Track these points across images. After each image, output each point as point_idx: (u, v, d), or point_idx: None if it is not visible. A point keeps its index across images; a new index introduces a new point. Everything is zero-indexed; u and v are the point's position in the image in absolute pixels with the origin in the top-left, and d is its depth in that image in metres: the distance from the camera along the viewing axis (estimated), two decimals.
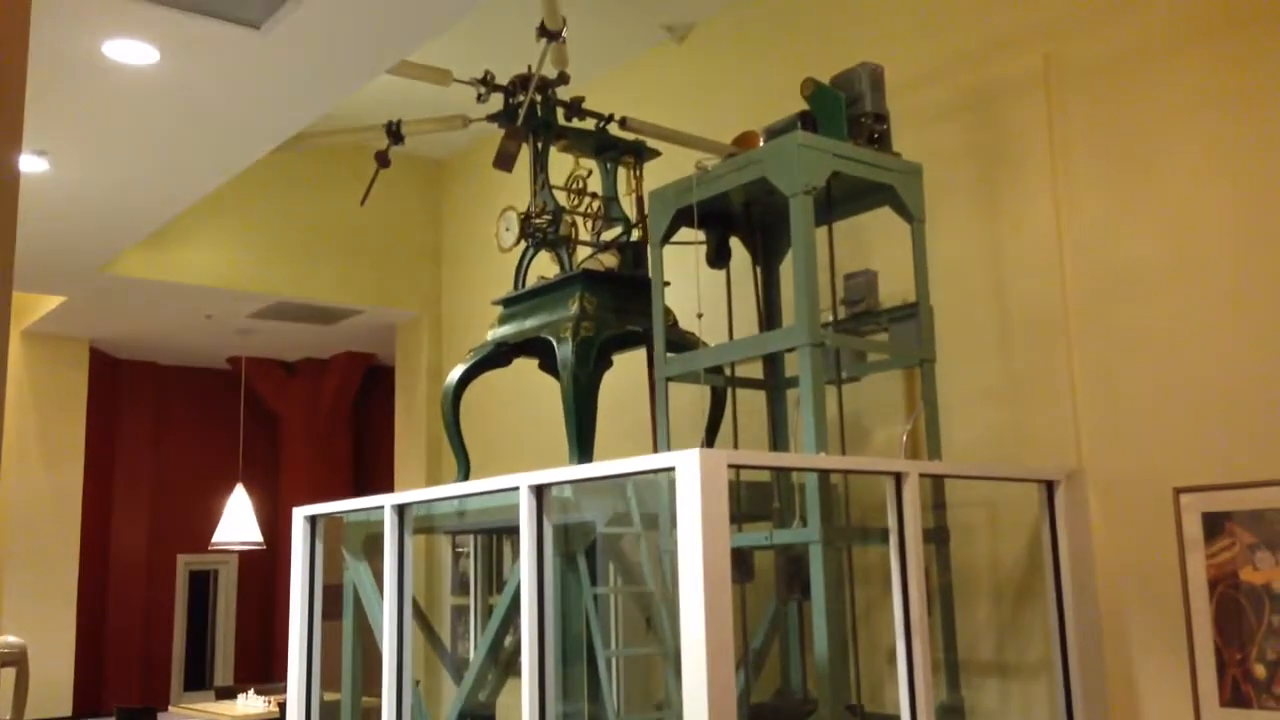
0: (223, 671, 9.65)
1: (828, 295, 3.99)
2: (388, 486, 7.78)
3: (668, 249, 4.02)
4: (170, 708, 7.03)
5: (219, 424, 9.84)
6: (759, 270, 4.34)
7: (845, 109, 3.75)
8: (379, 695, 4.25)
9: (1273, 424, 3.29)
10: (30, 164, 4.88)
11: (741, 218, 4.24)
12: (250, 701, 6.04)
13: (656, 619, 4.06)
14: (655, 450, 4.63)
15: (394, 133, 4.42)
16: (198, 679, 9.59)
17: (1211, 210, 3.51)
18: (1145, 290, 3.65)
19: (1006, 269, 4.04)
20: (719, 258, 4.29)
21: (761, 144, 3.76)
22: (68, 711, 7.72)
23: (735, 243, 4.34)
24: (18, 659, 1.32)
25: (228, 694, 6.70)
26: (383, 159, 4.52)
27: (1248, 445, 3.34)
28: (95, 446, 8.61)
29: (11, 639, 1.27)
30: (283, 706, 4.98)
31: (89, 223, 5.70)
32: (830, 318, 4.06)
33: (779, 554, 3.81)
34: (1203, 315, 3.49)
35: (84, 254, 6.19)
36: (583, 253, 4.45)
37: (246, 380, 9.37)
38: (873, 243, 4.38)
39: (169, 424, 9.76)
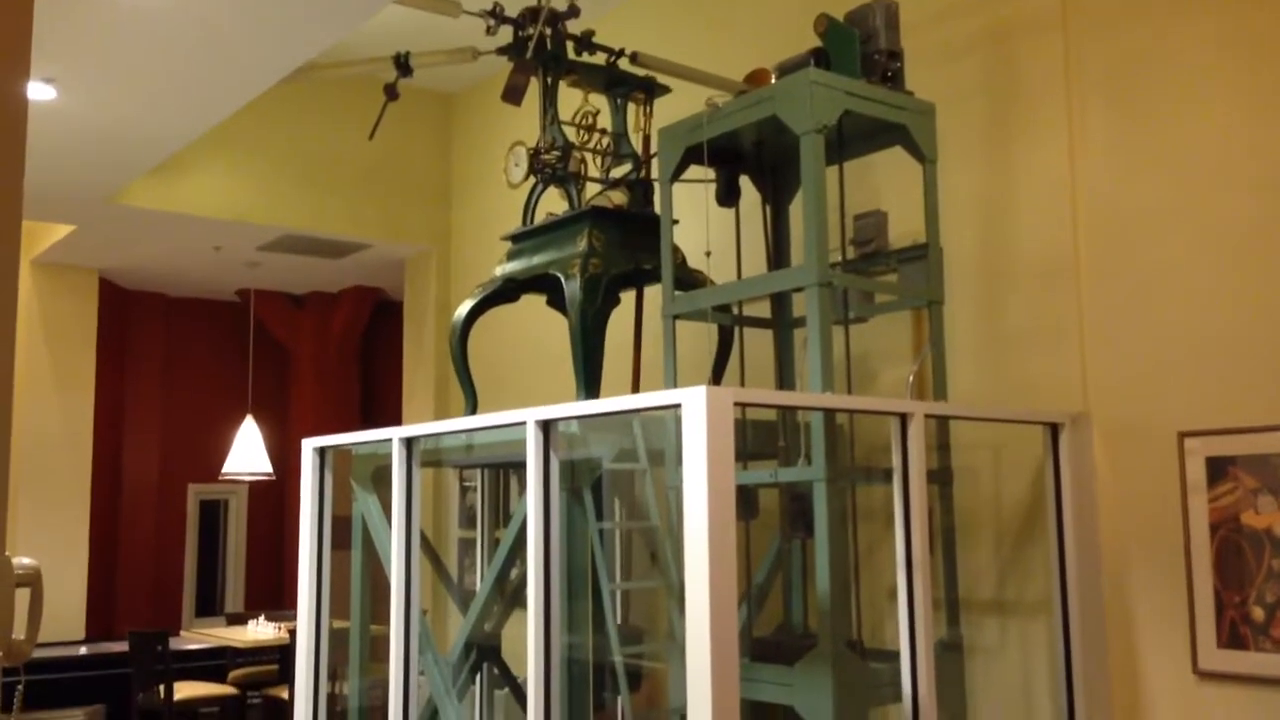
0: (233, 598, 9.80)
1: (837, 235, 3.98)
2: (395, 420, 7.83)
3: (677, 187, 4.00)
4: (182, 632, 7.15)
5: (228, 356, 9.89)
6: (768, 210, 4.32)
7: (859, 46, 3.71)
8: (387, 624, 4.32)
9: None
10: (38, 92, 4.85)
11: (752, 156, 4.22)
12: (261, 627, 6.15)
13: (661, 554, 4.11)
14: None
15: (402, 65, 4.38)
16: (209, 605, 9.74)
17: (1229, 155, 3.48)
18: (1158, 234, 3.63)
19: (1018, 211, 4.02)
20: (728, 196, 4.27)
21: (773, 81, 3.73)
22: (80, 635, 7.86)
23: (745, 182, 4.31)
24: (32, 580, 1.34)
25: (239, 620, 6.81)
26: (391, 92, 4.48)
27: (1254, 390, 3.34)
28: (105, 376, 8.66)
29: (25, 560, 1.29)
30: (293, 633, 5.07)
31: (97, 152, 5.68)
32: (839, 258, 4.05)
33: (783, 492, 3.84)
34: (1215, 260, 3.48)
35: (92, 183, 6.18)
36: (591, 189, 4.43)
37: (255, 312, 9.39)
38: (883, 183, 4.35)
39: (178, 355, 9.80)
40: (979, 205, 4.13)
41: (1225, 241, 3.46)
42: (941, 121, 3.93)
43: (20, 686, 1.68)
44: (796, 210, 4.18)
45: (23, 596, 1.52)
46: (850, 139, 3.94)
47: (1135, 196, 3.69)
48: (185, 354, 9.84)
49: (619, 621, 4.56)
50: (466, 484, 6.91)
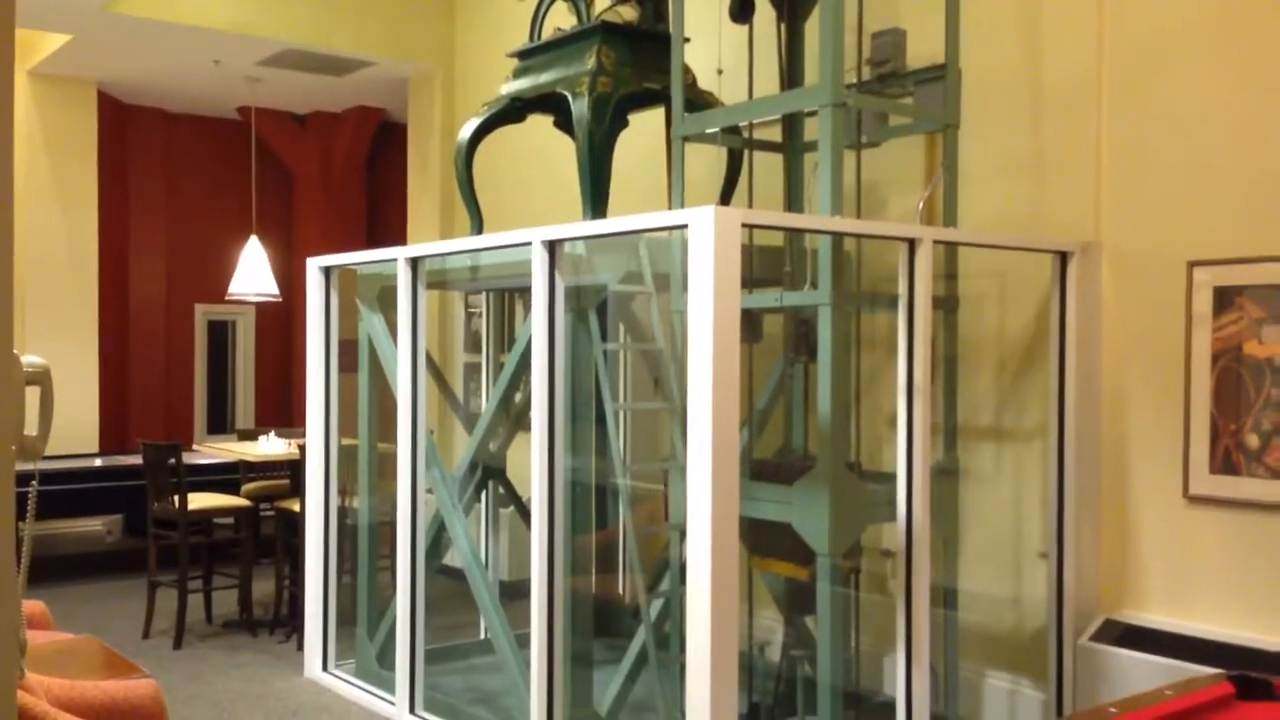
0: (243, 415, 9.97)
1: (854, 55, 3.86)
2: (400, 241, 7.80)
3: (689, 2, 3.87)
4: (194, 446, 7.30)
5: (231, 174, 9.77)
6: (783, 28, 4.18)
7: None
8: (394, 442, 4.40)
9: None
10: None
11: None
12: (271, 443, 6.26)
13: (664, 376, 4.15)
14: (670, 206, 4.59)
15: None
16: (219, 423, 9.91)
17: None
18: (1183, 61, 3.52)
19: (1042, 33, 3.89)
20: (743, 12, 4.13)
21: None
22: (94, 449, 8.04)
23: None
24: (41, 378, 1.35)
25: (249, 436, 6.93)
26: None
27: (1268, 220, 3.30)
28: (108, 192, 8.58)
29: (34, 358, 1.28)
30: (303, 448, 5.17)
31: None
32: (854, 79, 3.95)
33: (788, 317, 3.85)
34: (1239, 89, 3.38)
35: None
36: (601, 4, 4.29)
37: (257, 131, 9.23)
38: (903, 0, 4.20)
39: (180, 172, 9.68)
40: (1002, 25, 4.00)
41: (1251, 69, 3.35)
42: None
43: (33, 493, 1.71)
44: (812, 30, 4.05)
45: (33, 396, 1.53)
46: None
47: (1164, 18, 3.57)
48: (187, 172, 9.72)
49: (621, 443, 4.64)
50: (472, 310, 6.93)
